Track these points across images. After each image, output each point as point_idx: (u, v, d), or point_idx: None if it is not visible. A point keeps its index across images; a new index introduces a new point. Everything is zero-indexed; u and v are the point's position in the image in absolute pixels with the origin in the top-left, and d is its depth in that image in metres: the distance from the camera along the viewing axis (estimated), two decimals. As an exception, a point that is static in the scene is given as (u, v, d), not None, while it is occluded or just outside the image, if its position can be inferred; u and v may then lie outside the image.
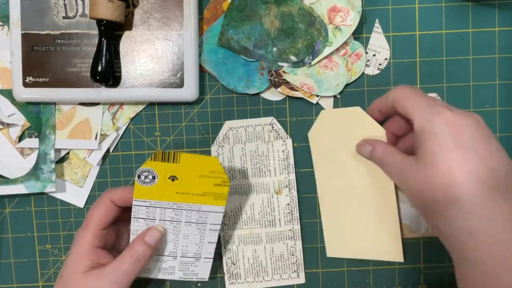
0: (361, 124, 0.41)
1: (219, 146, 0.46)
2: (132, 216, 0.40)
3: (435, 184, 0.33)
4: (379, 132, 0.40)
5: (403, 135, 0.42)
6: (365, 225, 0.43)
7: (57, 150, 0.46)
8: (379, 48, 0.46)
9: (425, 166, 0.33)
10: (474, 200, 0.31)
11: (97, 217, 0.40)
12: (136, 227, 0.41)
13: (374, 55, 0.46)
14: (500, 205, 0.31)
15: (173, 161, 0.39)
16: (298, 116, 0.47)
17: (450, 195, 0.32)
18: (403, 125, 0.41)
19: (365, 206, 0.43)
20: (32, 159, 0.46)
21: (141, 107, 0.46)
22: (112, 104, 0.46)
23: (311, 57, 0.44)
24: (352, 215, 0.44)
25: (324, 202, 0.45)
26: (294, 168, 0.46)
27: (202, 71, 0.46)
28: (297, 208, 0.47)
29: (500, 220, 0.31)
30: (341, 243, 0.45)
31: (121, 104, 0.46)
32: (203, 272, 0.43)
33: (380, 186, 0.42)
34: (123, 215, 0.42)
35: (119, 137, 0.47)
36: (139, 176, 0.39)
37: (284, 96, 0.46)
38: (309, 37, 0.44)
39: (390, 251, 0.44)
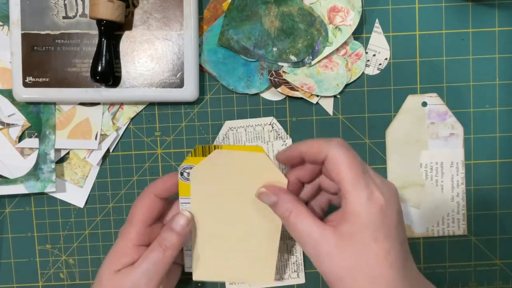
0: (262, 169, 0.37)
1: (219, 146, 0.46)
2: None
3: (359, 274, 0.32)
4: (280, 182, 0.37)
5: (309, 182, 0.39)
6: (238, 249, 0.40)
7: (57, 150, 0.46)
8: (379, 48, 0.46)
9: (352, 254, 0.32)
10: None
11: (141, 214, 0.39)
12: None
13: (374, 55, 0.46)
14: None
15: None
16: (298, 116, 0.47)
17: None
18: (314, 172, 0.37)
19: (240, 231, 0.40)
20: (32, 159, 0.46)
21: (141, 107, 0.46)
22: (112, 104, 0.46)
23: (311, 57, 0.44)
24: (224, 238, 0.40)
25: (196, 228, 0.40)
26: (294, 168, 0.46)
27: (202, 71, 0.46)
28: (297, 208, 0.47)
29: None
30: (209, 265, 0.41)
31: (121, 104, 0.46)
32: None
33: (264, 219, 0.39)
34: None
35: (119, 137, 0.47)
36: (182, 174, 0.38)
37: (284, 96, 0.46)
38: (309, 37, 0.44)
39: (261, 272, 0.41)
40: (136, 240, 0.38)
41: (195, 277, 0.41)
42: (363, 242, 0.32)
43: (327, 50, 0.44)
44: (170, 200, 0.42)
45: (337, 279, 0.32)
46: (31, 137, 0.46)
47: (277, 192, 0.36)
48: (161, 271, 0.38)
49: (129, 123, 0.47)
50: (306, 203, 0.39)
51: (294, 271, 0.47)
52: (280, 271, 0.47)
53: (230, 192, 0.39)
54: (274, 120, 0.46)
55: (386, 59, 0.46)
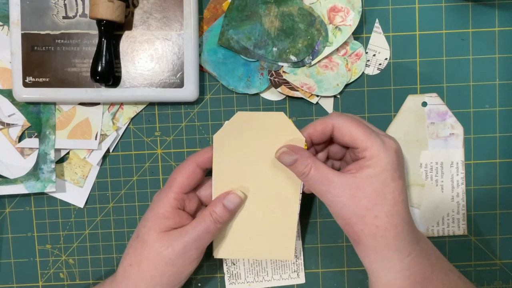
0: (280, 129, 0.39)
1: (219, 146, 0.46)
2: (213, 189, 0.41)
3: (379, 212, 0.36)
4: (298, 141, 0.39)
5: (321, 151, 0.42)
6: (258, 225, 0.41)
7: (57, 150, 0.46)
8: (379, 48, 0.46)
9: (373, 194, 0.36)
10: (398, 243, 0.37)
11: (181, 180, 0.40)
12: None
13: (374, 55, 0.46)
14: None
15: None
16: (298, 116, 0.47)
17: (392, 223, 0.36)
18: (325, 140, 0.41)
19: (262, 206, 0.41)
20: (32, 159, 0.46)
21: (141, 107, 0.46)
22: (112, 104, 0.46)
23: (311, 57, 0.44)
24: (245, 215, 0.41)
25: None
26: (294, 168, 0.46)
27: (202, 71, 0.46)
28: (297, 208, 0.47)
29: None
30: (229, 243, 0.42)
31: (121, 104, 0.46)
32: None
33: (283, 189, 0.40)
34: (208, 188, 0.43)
35: (119, 137, 0.47)
36: None
37: (284, 96, 0.46)
38: (309, 37, 0.44)
39: (281, 250, 0.42)
40: (174, 204, 0.40)
41: (216, 255, 0.42)
42: (384, 181, 0.36)
43: (327, 50, 0.44)
44: (206, 175, 0.43)
45: (359, 219, 0.36)
46: (31, 137, 0.46)
47: (297, 151, 0.38)
48: (209, 239, 0.40)
49: (129, 123, 0.47)
50: None
51: (294, 271, 0.47)
52: (280, 271, 0.47)
53: (252, 156, 0.40)
54: (274, 120, 0.46)
55: (386, 59, 0.46)
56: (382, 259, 0.37)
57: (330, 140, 0.40)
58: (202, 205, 0.43)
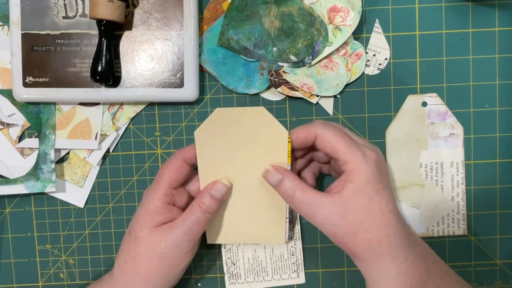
0: (262, 124, 0.39)
1: (219, 146, 0.46)
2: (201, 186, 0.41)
3: (369, 226, 0.36)
4: (281, 135, 0.39)
5: (302, 157, 0.43)
6: (248, 212, 0.42)
7: (57, 150, 0.46)
8: (379, 48, 0.46)
9: (360, 209, 0.36)
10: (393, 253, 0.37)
11: (168, 175, 0.40)
12: None
13: (374, 55, 0.46)
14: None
15: None
16: (298, 116, 0.47)
17: (383, 235, 0.36)
18: (306, 150, 0.42)
19: (250, 194, 0.41)
20: (32, 159, 0.46)
21: (141, 107, 0.46)
22: (112, 104, 0.46)
23: (311, 57, 0.44)
24: (234, 203, 0.42)
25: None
26: (294, 168, 0.46)
27: (202, 71, 0.46)
28: (297, 208, 0.47)
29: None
30: (221, 228, 0.43)
31: (121, 104, 0.46)
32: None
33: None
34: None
35: (119, 137, 0.47)
36: None
37: (284, 96, 0.46)
38: (309, 37, 0.44)
39: (272, 234, 0.42)
40: (164, 200, 0.40)
41: (209, 241, 0.43)
42: (368, 195, 0.36)
43: (327, 50, 0.44)
44: (195, 169, 0.43)
45: (351, 236, 0.36)
46: (31, 137, 0.46)
47: (282, 172, 0.39)
48: (200, 231, 0.40)
49: (129, 123, 0.47)
50: (299, 172, 0.44)
51: (294, 271, 0.47)
52: (280, 271, 0.47)
53: (235, 151, 0.40)
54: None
55: (386, 59, 0.46)
56: (379, 268, 0.37)
57: (314, 146, 0.40)
58: (192, 199, 0.43)
